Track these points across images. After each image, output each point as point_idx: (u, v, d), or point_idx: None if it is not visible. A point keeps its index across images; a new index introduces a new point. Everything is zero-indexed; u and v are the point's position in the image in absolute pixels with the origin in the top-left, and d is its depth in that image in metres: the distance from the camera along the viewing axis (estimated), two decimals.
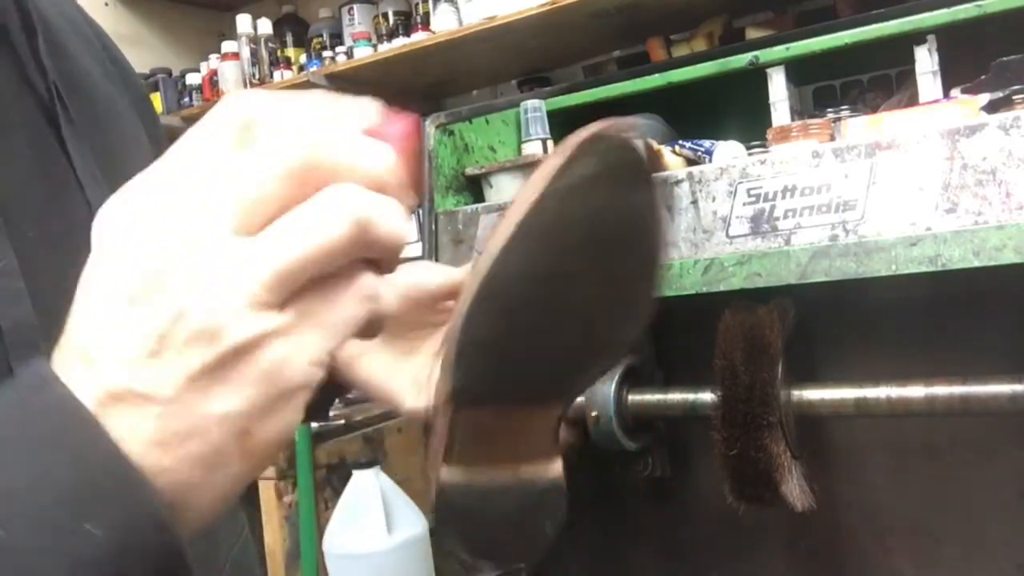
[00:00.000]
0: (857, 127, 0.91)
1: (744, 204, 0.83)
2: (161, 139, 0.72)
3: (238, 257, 0.31)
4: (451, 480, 0.51)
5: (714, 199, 0.84)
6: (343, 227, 0.31)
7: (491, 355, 0.47)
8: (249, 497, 1.43)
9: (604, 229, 0.46)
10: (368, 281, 0.33)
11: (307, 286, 0.32)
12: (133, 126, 0.65)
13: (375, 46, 2.69)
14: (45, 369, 0.31)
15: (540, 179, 0.43)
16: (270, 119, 0.32)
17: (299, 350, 0.32)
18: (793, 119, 1.04)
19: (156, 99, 2.98)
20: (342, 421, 1.52)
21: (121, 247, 0.33)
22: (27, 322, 0.50)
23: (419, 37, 2.55)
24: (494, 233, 0.44)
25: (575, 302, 0.47)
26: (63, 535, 0.28)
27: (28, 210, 0.52)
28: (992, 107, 0.84)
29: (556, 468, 0.53)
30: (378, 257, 0.34)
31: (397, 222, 0.33)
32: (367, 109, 0.34)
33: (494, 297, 0.44)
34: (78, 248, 0.54)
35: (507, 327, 0.46)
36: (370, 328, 0.34)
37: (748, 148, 1.07)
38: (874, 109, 1.05)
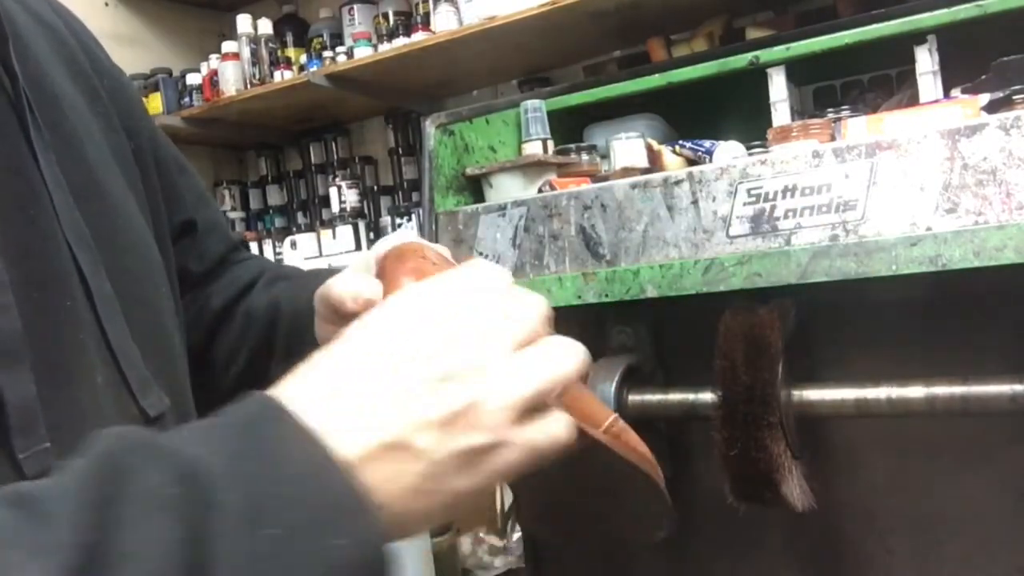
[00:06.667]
0: (857, 127, 0.91)
1: (744, 204, 0.83)
2: (141, 130, 0.71)
3: (514, 370, 0.41)
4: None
5: (714, 199, 0.84)
6: (578, 363, 0.43)
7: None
8: None
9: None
10: (568, 420, 0.43)
11: (534, 412, 0.41)
12: (96, 130, 0.64)
13: (375, 46, 2.69)
14: (287, 413, 0.38)
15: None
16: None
17: (517, 459, 0.41)
18: (793, 119, 1.04)
19: (156, 99, 2.98)
20: None
21: (429, 329, 0.41)
22: (14, 332, 0.49)
23: (419, 37, 2.56)
24: None
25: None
26: (321, 543, 0.35)
27: None
28: (992, 107, 0.84)
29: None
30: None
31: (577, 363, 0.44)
32: None
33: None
34: (46, 258, 0.55)
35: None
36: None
37: (748, 148, 1.07)
38: (874, 109, 1.05)
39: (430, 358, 0.40)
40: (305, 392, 0.39)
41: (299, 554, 0.34)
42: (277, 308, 0.73)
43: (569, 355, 0.43)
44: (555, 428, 0.42)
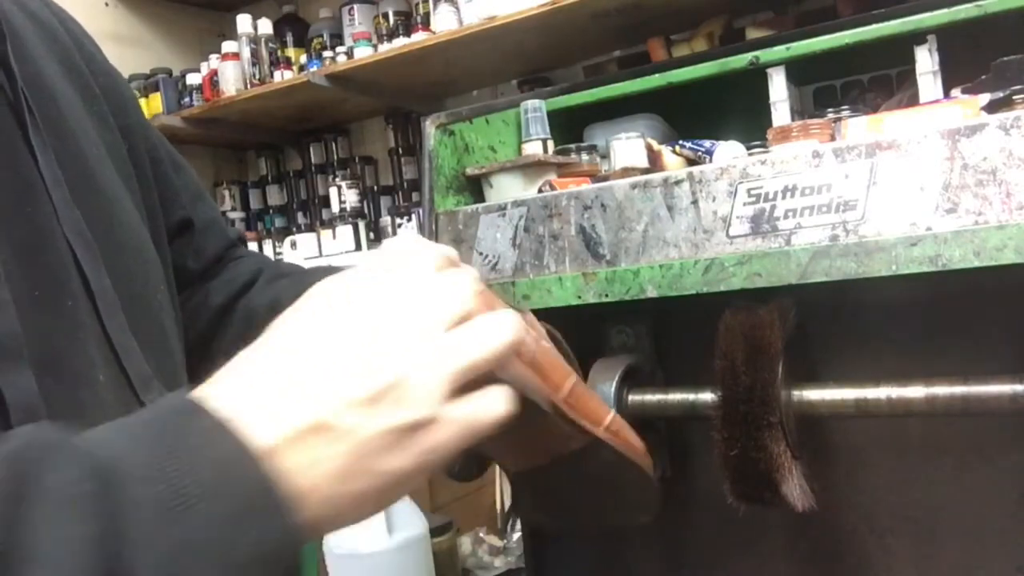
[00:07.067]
0: (857, 127, 0.91)
1: (744, 204, 0.83)
2: (135, 129, 0.70)
3: (444, 348, 0.40)
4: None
5: (714, 199, 0.84)
6: (509, 338, 0.42)
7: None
8: None
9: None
10: (507, 393, 0.42)
11: (467, 387, 0.41)
12: (91, 129, 0.64)
13: (375, 46, 2.69)
14: (210, 404, 0.38)
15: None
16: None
17: (450, 436, 0.40)
18: (793, 119, 1.04)
19: (156, 99, 2.97)
20: None
21: (351, 314, 0.41)
22: (12, 331, 0.49)
23: (419, 37, 2.56)
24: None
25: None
26: (231, 538, 0.35)
27: None
28: (992, 107, 0.84)
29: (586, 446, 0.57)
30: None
31: (534, 350, 0.44)
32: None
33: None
34: (46, 256, 0.55)
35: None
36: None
37: (748, 148, 1.07)
38: (874, 109, 1.05)
39: (353, 342, 0.40)
40: (224, 388, 0.39)
41: (211, 549, 0.34)
42: (279, 306, 0.73)
43: (500, 329, 0.42)
44: (492, 404, 0.42)
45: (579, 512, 0.65)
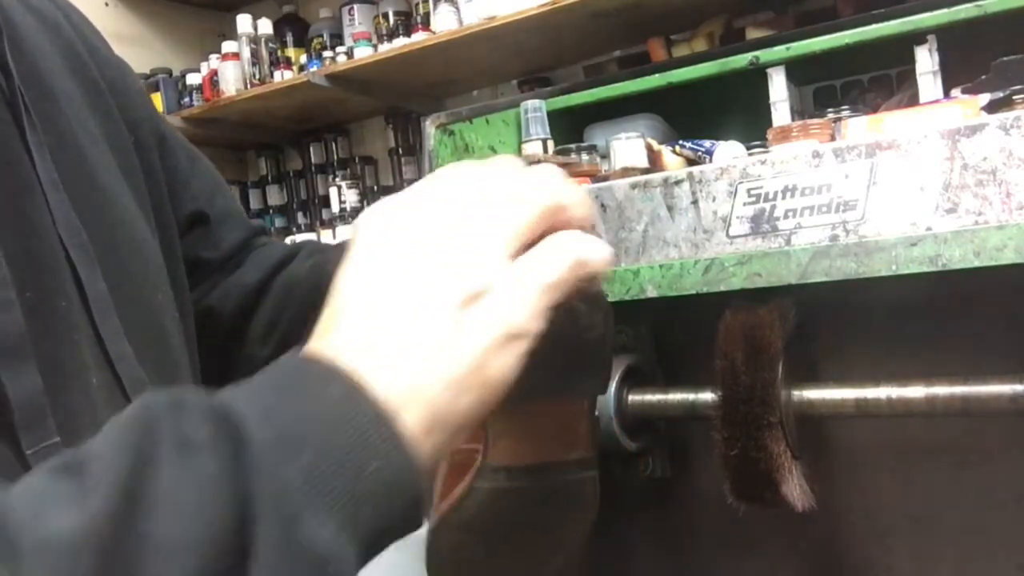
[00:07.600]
0: (857, 127, 0.91)
1: (744, 204, 0.83)
2: (142, 122, 0.69)
3: (511, 276, 0.40)
4: (481, 485, 0.55)
5: (714, 199, 0.84)
6: (568, 264, 0.41)
7: None
8: None
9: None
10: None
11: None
12: (93, 125, 0.63)
13: (375, 46, 2.69)
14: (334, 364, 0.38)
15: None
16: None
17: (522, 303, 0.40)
18: (793, 119, 1.04)
19: (156, 99, 2.98)
20: None
21: (408, 248, 0.41)
22: (16, 331, 0.49)
23: (419, 37, 2.56)
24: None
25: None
26: (356, 467, 0.36)
27: None
28: (992, 107, 0.84)
29: (583, 461, 0.56)
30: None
31: (602, 256, 0.43)
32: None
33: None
34: (40, 257, 0.54)
35: None
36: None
37: (748, 148, 1.07)
38: (874, 109, 1.05)
39: (433, 253, 0.40)
40: (325, 337, 0.40)
41: (336, 480, 0.35)
42: (323, 270, 0.71)
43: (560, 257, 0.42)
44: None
45: (507, 548, 0.64)
